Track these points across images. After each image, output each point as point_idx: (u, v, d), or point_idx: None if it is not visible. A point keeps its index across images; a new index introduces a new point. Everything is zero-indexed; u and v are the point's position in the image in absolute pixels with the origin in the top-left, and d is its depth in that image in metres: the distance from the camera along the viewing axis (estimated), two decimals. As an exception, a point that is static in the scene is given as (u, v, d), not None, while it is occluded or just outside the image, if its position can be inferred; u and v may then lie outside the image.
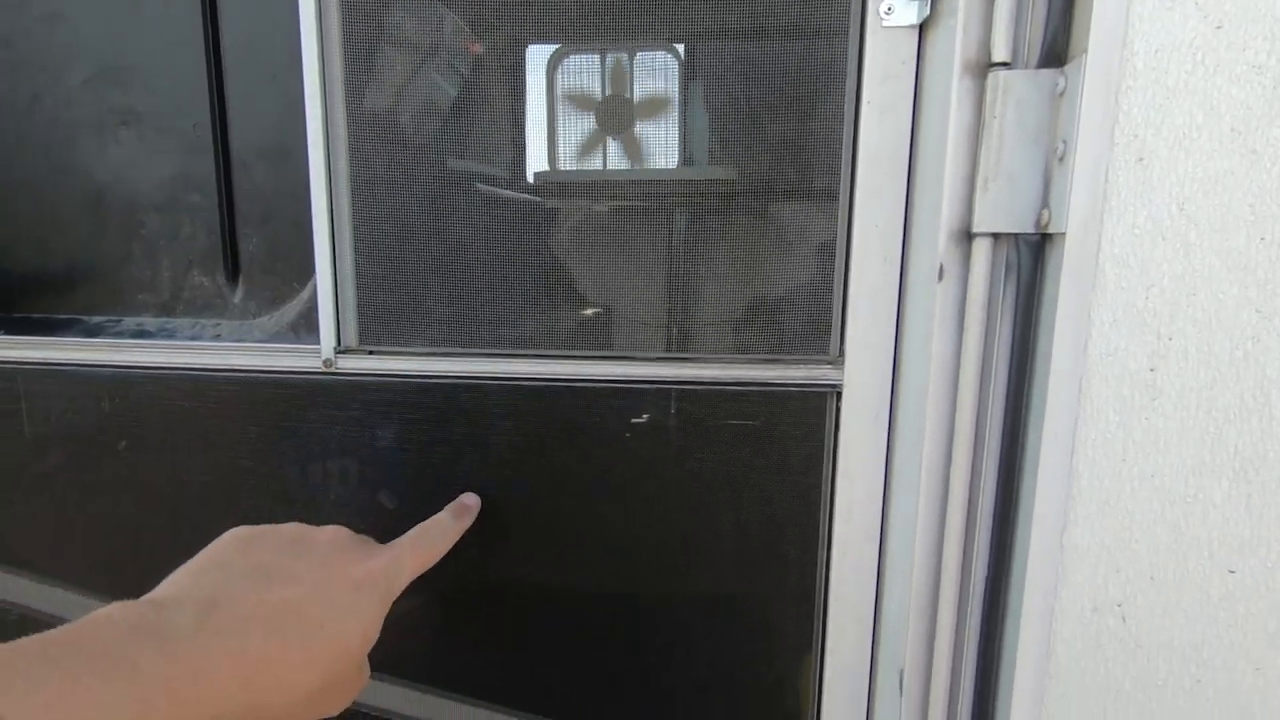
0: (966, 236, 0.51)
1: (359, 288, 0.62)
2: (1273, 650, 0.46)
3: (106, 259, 0.69)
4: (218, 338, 0.66)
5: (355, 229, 0.61)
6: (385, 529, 0.63)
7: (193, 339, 0.66)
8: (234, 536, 0.45)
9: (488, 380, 0.62)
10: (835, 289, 0.60)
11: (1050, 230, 0.47)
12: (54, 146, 0.67)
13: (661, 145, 0.62)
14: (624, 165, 0.62)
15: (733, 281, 0.61)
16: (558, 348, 0.62)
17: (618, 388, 0.62)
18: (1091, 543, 0.47)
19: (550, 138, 0.62)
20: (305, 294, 0.65)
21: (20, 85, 0.67)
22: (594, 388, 0.62)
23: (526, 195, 0.61)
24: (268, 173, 0.66)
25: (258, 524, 0.48)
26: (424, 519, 0.63)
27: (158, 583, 0.41)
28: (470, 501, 0.60)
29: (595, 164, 0.62)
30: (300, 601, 0.41)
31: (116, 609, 0.35)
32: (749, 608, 0.64)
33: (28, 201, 0.69)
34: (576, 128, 0.62)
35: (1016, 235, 0.49)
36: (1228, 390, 0.44)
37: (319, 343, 0.63)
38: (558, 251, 0.61)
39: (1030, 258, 0.50)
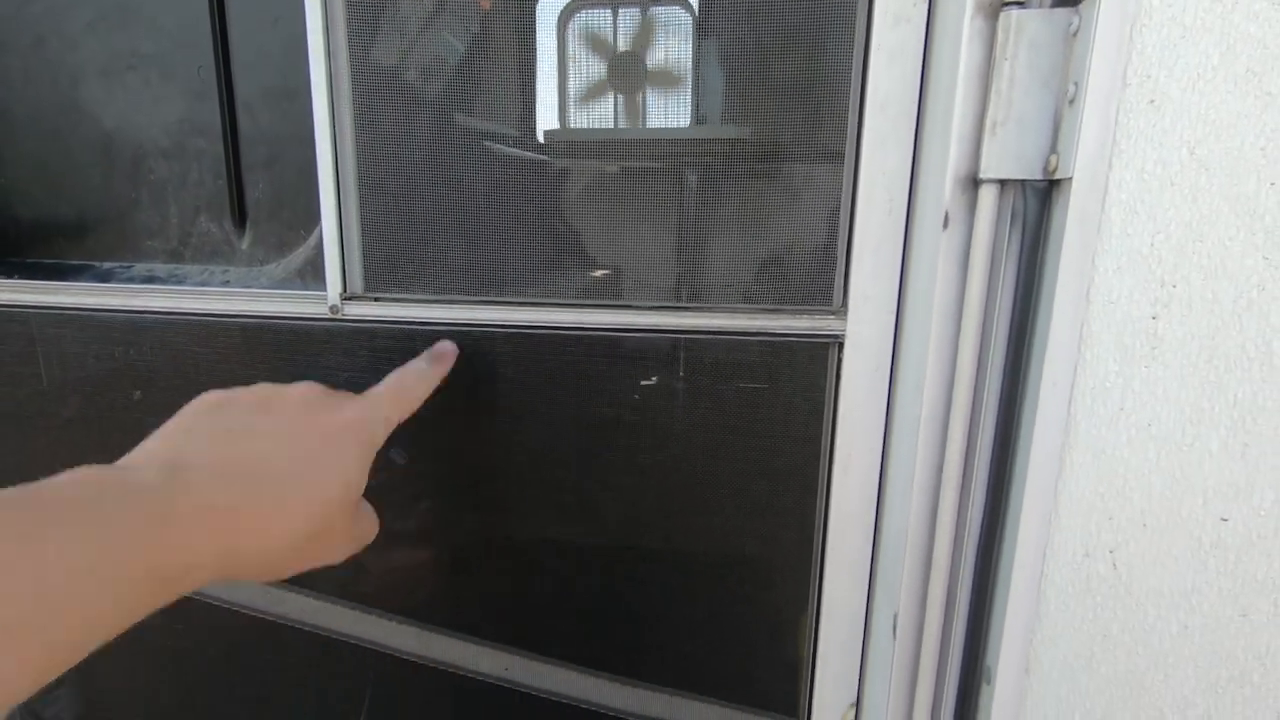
0: (973, 183, 0.50)
1: (364, 235, 0.63)
2: (1260, 597, 0.46)
3: (115, 205, 0.69)
4: (226, 284, 0.67)
5: (360, 176, 0.61)
6: (393, 484, 0.64)
7: (201, 285, 0.67)
8: (201, 401, 0.44)
9: (493, 328, 0.63)
10: (839, 239, 0.59)
11: (1058, 176, 0.47)
12: (60, 91, 0.67)
13: (670, 100, 0.61)
14: (633, 119, 0.61)
15: (738, 232, 0.60)
16: (562, 296, 0.62)
17: (622, 336, 0.62)
18: (1085, 489, 0.48)
19: (561, 91, 0.61)
20: (312, 241, 0.66)
21: (24, 29, 0.66)
22: (599, 336, 0.62)
23: (533, 153, 0.61)
24: (273, 116, 0.66)
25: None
26: (431, 471, 0.64)
27: None
28: (447, 348, 0.59)
29: (605, 119, 0.62)
30: (269, 455, 0.40)
31: (80, 470, 0.34)
32: (748, 555, 0.65)
33: (36, 147, 0.69)
34: (587, 80, 0.61)
35: (1024, 182, 0.49)
36: (1230, 339, 0.43)
37: (325, 289, 0.63)
38: (563, 202, 0.61)
39: (1037, 205, 0.49)
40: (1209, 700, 0.49)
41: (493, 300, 0.63)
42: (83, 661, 0.31)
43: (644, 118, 0.62)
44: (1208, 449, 0.45)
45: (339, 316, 0.64)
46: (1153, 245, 0.44)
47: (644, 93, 0.61)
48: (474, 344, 0.63)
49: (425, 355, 0.58)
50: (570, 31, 0.62)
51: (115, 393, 0.69)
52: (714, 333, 0.61)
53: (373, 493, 0.52)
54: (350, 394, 0.50)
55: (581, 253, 0.62)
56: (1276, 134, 0.41)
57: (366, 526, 0.50)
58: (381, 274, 0.63)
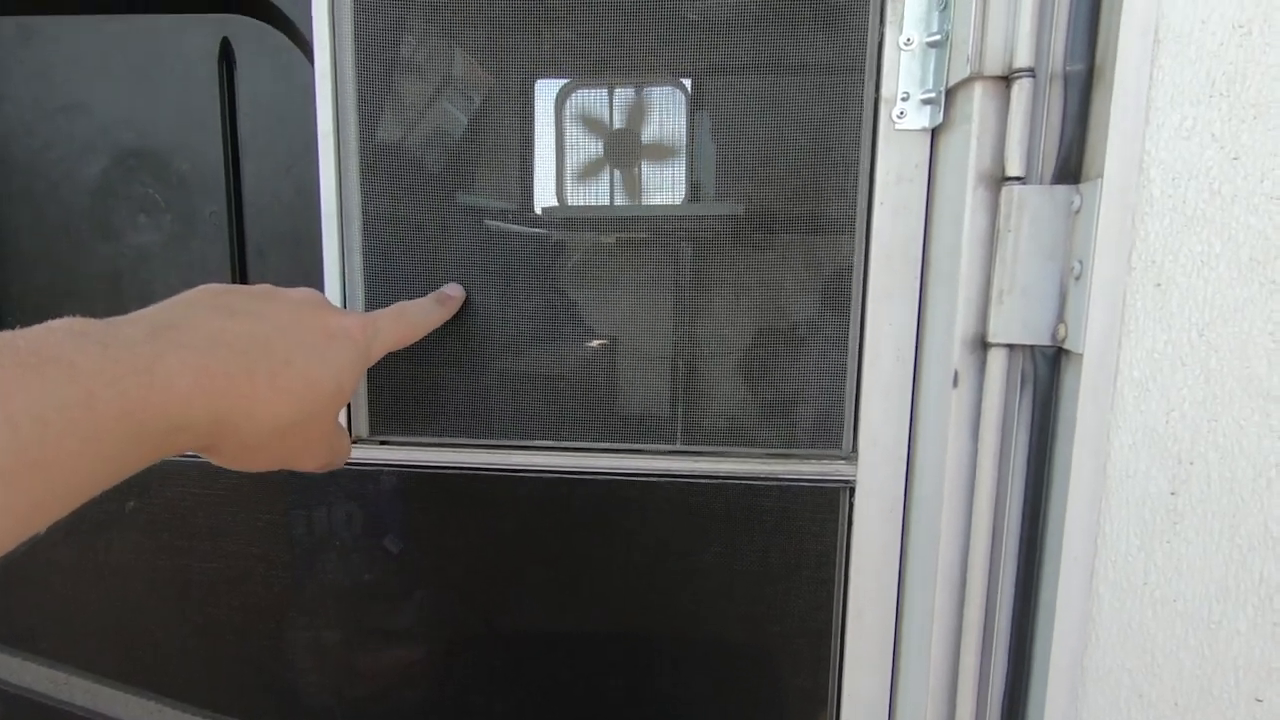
0: (982, 345, 0.51)
1: (371, 378, 0.62)
2: (1303, 783, 0.44)
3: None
4: (229, 423, 0.66)
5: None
6: (387, 616, 0.62)
7: (204, 424, 0.66)
8: (202, 287, 0.42)
9: (499, 472, 0.62)
10: (848, 385, 0.59)
11: (1067, 347, 0.47)
12: (72, 234, 0.68)
13: (676, 237, 0.62)
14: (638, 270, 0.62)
15: (748, 377, 0.60)
16: (570, 439, 0.62)
17: (631, 481, 0.61)
18: (1113, 665, 0.46)
19: (558, 258, 0.63)
20: (317, 381, 0.65)
21: (39, 175, 0.68)
22: (607, 480, 0.61)
23: (540, 303, 0.61)
24: (282, 259, 0.66)
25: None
26: (436, 613, 0.63)
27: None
28: (453, 291, 0.59)
29: (606, 272, 0.62)
30: (267, 335, 0.39)
31: (62, 319, 0.32)
32: (761, 707, 0.63)
33: (45, 285, 0.69)
34: (583, 242, 0.62)
35: (1033, 347, 0.49)
36: (1252, 517, 0.43)
37: (330, 431, 0.63)
38: (571, 347, 0.61)
39: (1047, 370, 0.49)
40: None
41: (501, 444, 0.62)
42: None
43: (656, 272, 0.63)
44: (1236, 628, 0.44)
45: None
46: (1168, 423, 0.44)
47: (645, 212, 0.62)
48: (482, 487, 0.62)
49: (432, 295, 0.58)
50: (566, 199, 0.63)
51: (108, 538, 0.68)
52: (723, 478, 0.60)
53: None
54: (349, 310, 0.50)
55: (594, 397, 0.61)
56: (1284, 321, 0.41)
57: (343, 442, 0.50)
58: (389, 417, 0.63)
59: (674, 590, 0.62)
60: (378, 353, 0.49)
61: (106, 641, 0.70)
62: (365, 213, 0.61)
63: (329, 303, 0.48)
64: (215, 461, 0.39)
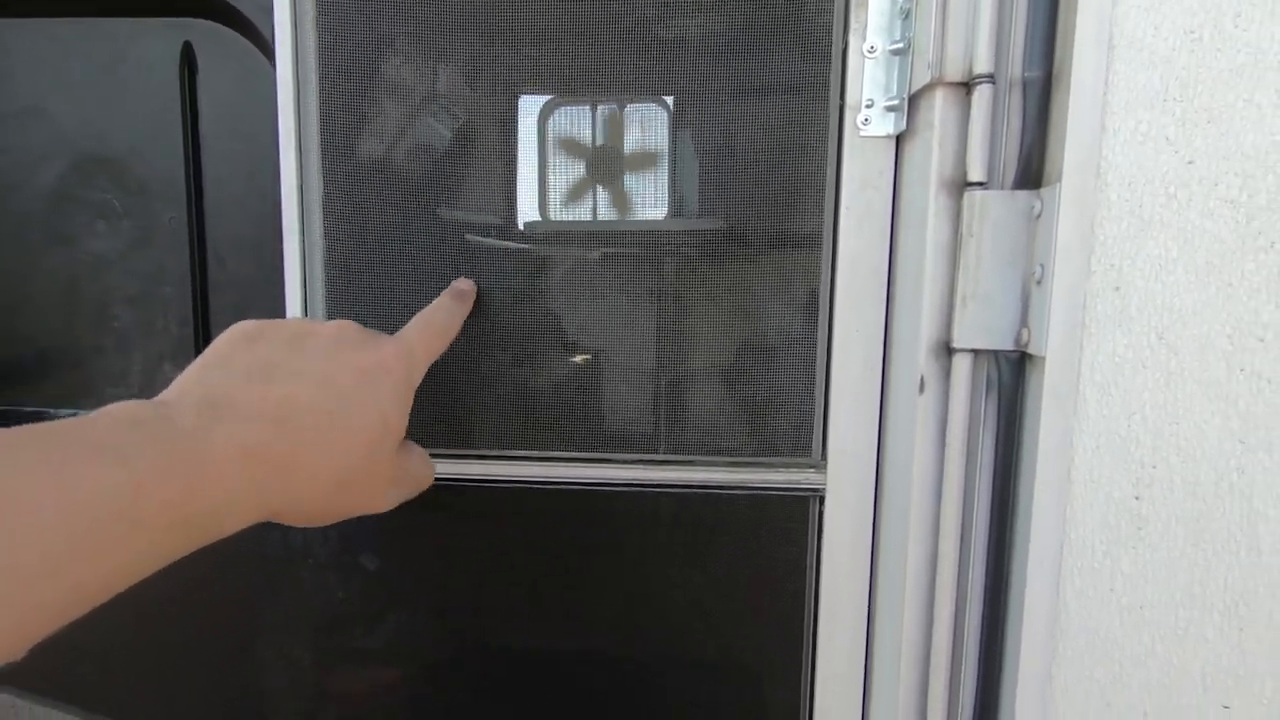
0: (947, 351, 0.50)
1: (332, 387, 0.61)
2: (1272, 792, 0.44)
3: (77, 352, 0.67)
4: (186, 434, 0.64)
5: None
6: (352, 634, 0.61)
7: (161, 435, 0.65)
8: (237, 332, 0.43)
9: (468, 482, 0.61)
10: (817, 393, 0.59)
11: (1030, 351, 0.47)
12: (27, 238, 0.66)
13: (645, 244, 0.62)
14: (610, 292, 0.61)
15: (718, 384, 0.60)
16: (539, 448, 0.61)
17: (600, 491, 0.60)
18: (1081, 675, 0.46)
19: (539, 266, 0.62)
20: (278, 391, 0.64)
21: (-5, 178, 0.66)
22: (576, 491, 0.60)
23: (513, 312, 0.61)
24: (243, 264, 0.65)
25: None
26: (413, 620, 0.61)
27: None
28: (465, 286, 0.57)
29: (573, 283, 0.62)
30: (306, 396, 0.39)
31: (116, 405, 0.33)
32: (734, 717, 0.62)
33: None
34: (565, 256, 0.62)
35: (997, 352, 0.49)
36: (1214, 522, 0.43)
37: (290, 442, 0.61)
38: (541, 356, 0.60)
39: (1011, 375, 0.49)
40: None
41: (474, 455, 0.61)
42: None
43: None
44: (1203, 635, 0.44)
45: (303, 471, 0.61)
46: (1129, 426, 0.43)
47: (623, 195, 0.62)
48: (457, 498, 0.61)
49: (447, 293, 0.56)
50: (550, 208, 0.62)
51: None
52: (695, 487, 0.60)
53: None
54: (383, 334, 0.48)
55: (563, 404, 0.60)
56: (1239, 323, 0.41)
57: (419, 470, 0.49)
58: (349, 427, 0.61)
59: (646, 599, 0.61)
60: (419, 373, 0.49)
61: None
62: (326, 218, 0.60)
63: (364, 334, 0.47)
64: (284, 523, 0.39)
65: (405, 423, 0.46)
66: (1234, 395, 0.42)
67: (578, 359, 0.60)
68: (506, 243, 0.60)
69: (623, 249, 0.59)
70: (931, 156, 0.49)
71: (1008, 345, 0.48)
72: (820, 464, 0.59)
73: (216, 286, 0.66)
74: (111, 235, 0.66)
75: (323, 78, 0.59)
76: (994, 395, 0.50)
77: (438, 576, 0.62)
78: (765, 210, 0.57)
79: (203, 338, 0.66)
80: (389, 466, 0.45)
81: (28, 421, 0.64)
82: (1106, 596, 0.45)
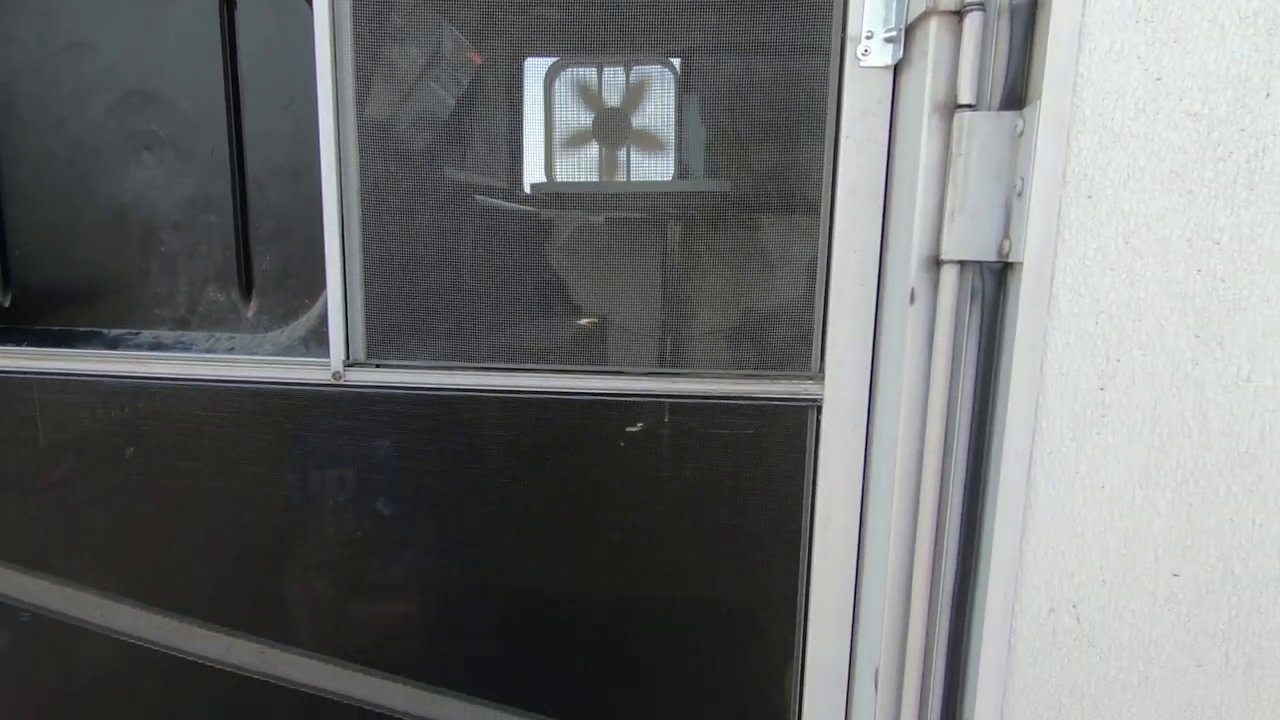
0: (935, 263, 0.55)
1: (367, 304, 0.66)
2: (1213, 648, 0.49)
3: (126, 275, 0.72)
4: (231, 350, 0.70)
5: (365, 248, 0.65)
6: (385, 533, 0.66)
7: (208, 352, 0.70)
8: None
9: (489, 393, 0.66)
10: (816, 309, 0.63)
11: (1011, 259, 0.51)
12: (78, 168, 0.71)
13: (655, 167, 0.66)
14: (624, 193, 0.66)
15: (721, 301, 0.64)
16: (555, 362, 0.66)
17: (612, 400, 0.65)
18: (1048, 548, 0.51)
19: (548, 162, 0.66)
20: (316, 309, 0.69)
21: (47, 110, 0.70)
22: (589, 400, 0.66)
23: (525, 208, 0.65)
24: (282, 193, 0.69)
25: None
26: (426, 525, 0.67)
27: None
28: None
29: (594, 200, 0.66)
30: None
31: None
32: (735, 610, 0.68)
33: (53, 220, 0.72)
34: (578, 162, 0.66)
35: (981, 263, 0.53)
36: (1170, 408, 0.48)
37: (329, 356, 0.66)
38: (555, 273, 0.65)
39: (994, 284, 0.53)
40: (1172, 749, 0.51)
41: (491, 366, 0.66)
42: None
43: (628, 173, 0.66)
44: (1156, 510, 0.49)
45: (342, 383, 0.67)
46: (1097, 323, 0.48)
47: (629, 153, 0.66)
48: (473, 408, 0.66)
49: None
50: (555, 95, 0.66)
51: (118, 457, 0.71)
52: (700, 397, 0.65)
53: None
54: None
55: (577, 322, 0.65)
56: (1198, 227, 0.46)
57: None
58: (384, 341, 0.66)
59: (654, 503, 0.66)
60: None
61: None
62: (362, 148, 0.64)
63: None
64: None
65: None
66: (1191, 293, 0.46)
67: (583, 322, 0.65)
68: (512, 208, 0.64)
69: (634, 202, 0.64)
70: (926, 82, 0.53)
71: (991, 256, 0.53)
72: (819, 376, 0.64)
73: (257, 213, 0.70)
74: (157, 165, 0.70)
75: (357, 8, 0.62)
76: (978, 304, 0.54)
77: (473, 479, 0.67)
78: (770, 138, 0.61)
79: (244, 262, 0.71)
80: None
81: (81, 342, 0.69)
82: (1072, 477, 0.50)
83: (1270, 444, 0.47)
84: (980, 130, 0.51)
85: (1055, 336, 0.49)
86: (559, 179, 0.65)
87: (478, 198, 0.64)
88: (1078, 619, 0.51)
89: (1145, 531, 0.49)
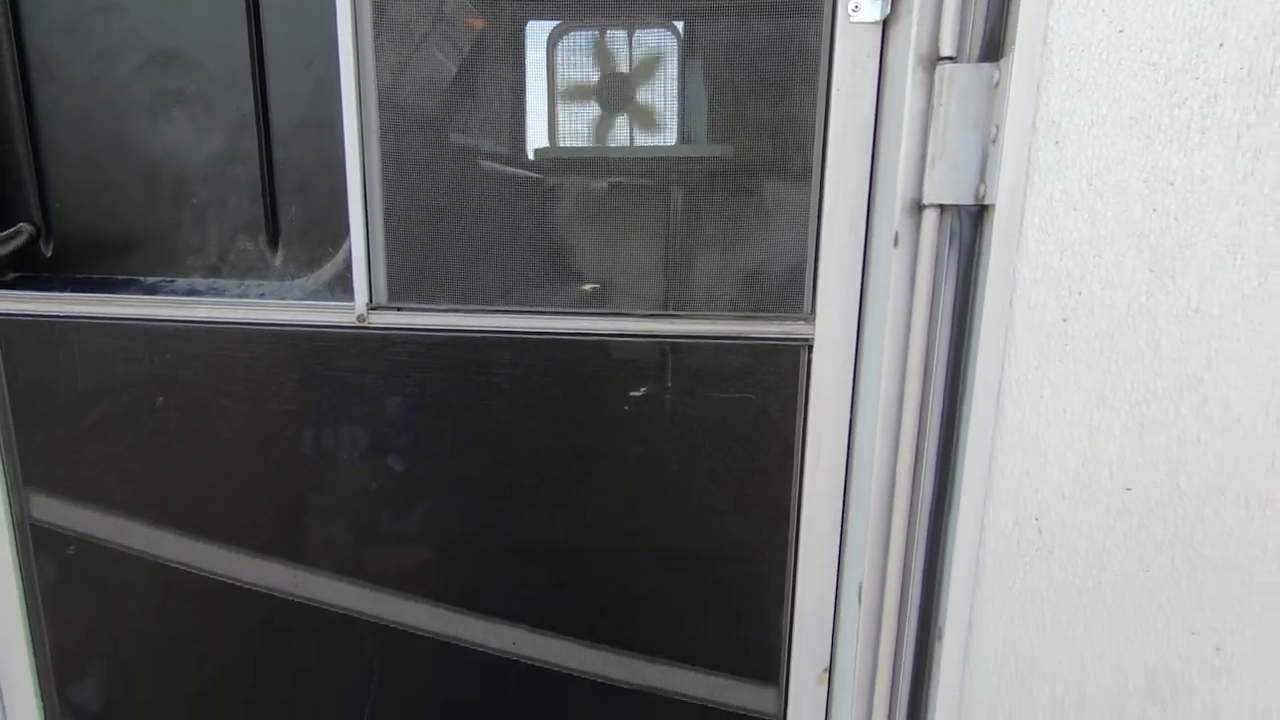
0: (918, 208, 0.59)
1: (388, 250, 0.71)
2: (1160, 554, 0.55)
3: (160, 226, 0.77)
4: (262, 296, 0.75)
5: (385, 196, 0.69)
6: (406, 465, 0.72)
7: (239, 297, 0.75)
8: None
9: (503, 333, 0.71)
10: (808, 255, 0.68)
11: (986, 202, 0.55)
12: (111, 125, 0.75)
13: (660, 126, 0.70)
14: (625, 144, 0.70)
15: (719, 249, 0.69)
16: (563, 305, 0.71)
17: (617, 341, 0.70)
18: (1014, 467, 0.56)
19: (551, 116, 0.70)
20: (340, 256, 0.73)
21: (80, 70, 0.74)
22: (597, 340, 0.70)
23: (537, 175, 0.69)
24: (305, 147, 0.74)
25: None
26: (444, 458, 0.72)
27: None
28: None
29: (595, 161, 0.70)
30: None
31: None
32: (733, 533, 0.73)
33: (89, 175, 0.77)
34: (580, 112, 0.70)
35: (959, 207, 0.58)
36: (1125, 338, 0.52)
37: (353, 300, 0.71)
38: (565, 220, 0.69)
39: (970, 226, 0.58)
40: (1121, 648, 0.57)
41: (505, 309, 0.71)
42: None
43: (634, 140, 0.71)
44: (1111, 430, 0.54)
45: (365, 325, 0.72)
46: (1061, 259, 0.53)
47: (634, 119, 0.70)
48: (488, 348, 0.71)
49: None
50: (558, 57, 0.70)
51: (160, 396, 0.77)
52: (699, 337, 0.70)
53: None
54: None
55: (584, 266, 0.70)
56: (1155, 169, 0.50)
57: None
58: (404, 286, 0.71)
59: (657, 436, 0.72)
60: None
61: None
62: (381, 105, 0.68)
63: None
64: None
65: None
66: (1147, 231, 0.51)
67: (587, 288, 0.69)
68: (521, 174, 0.68)
69: (642, 127, 0.68)
70: (911, 35, 0.57)
71: (968, 200, 0.57)
72: (810, 317, 0.69)
73: (282, 166, 0.75)
74: (187, 121, 0.75)
75: (374, -29, 0.66)
76: (955, 245, 0.59)
77: (489, 414, 0.73)
78: (765, 91, 0.65)
79: (271, 213, 0.75)
80: None
81: (121, 289, 0.74)
82: (1036, 402, 0.55)
83: (1215, 368, 0.52)
84: (960, 81, 0.55)
85: (1023, 272, 0.53)
86: (561, 144, 0.69)
87: (484, 163, 0.69)
88: (1039, 531, 0.57)
89: (1101, 450, 0.54)
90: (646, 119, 0.70)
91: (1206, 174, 0.49)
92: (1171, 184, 0.50)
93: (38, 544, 0.83)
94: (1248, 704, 0.55)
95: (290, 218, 0.75)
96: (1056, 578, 0.57)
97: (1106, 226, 0.51)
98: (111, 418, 0.78)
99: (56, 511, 0.82)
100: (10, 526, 0.82)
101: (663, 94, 0.69)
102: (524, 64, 0.69)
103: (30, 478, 0.81)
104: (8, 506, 0.82)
